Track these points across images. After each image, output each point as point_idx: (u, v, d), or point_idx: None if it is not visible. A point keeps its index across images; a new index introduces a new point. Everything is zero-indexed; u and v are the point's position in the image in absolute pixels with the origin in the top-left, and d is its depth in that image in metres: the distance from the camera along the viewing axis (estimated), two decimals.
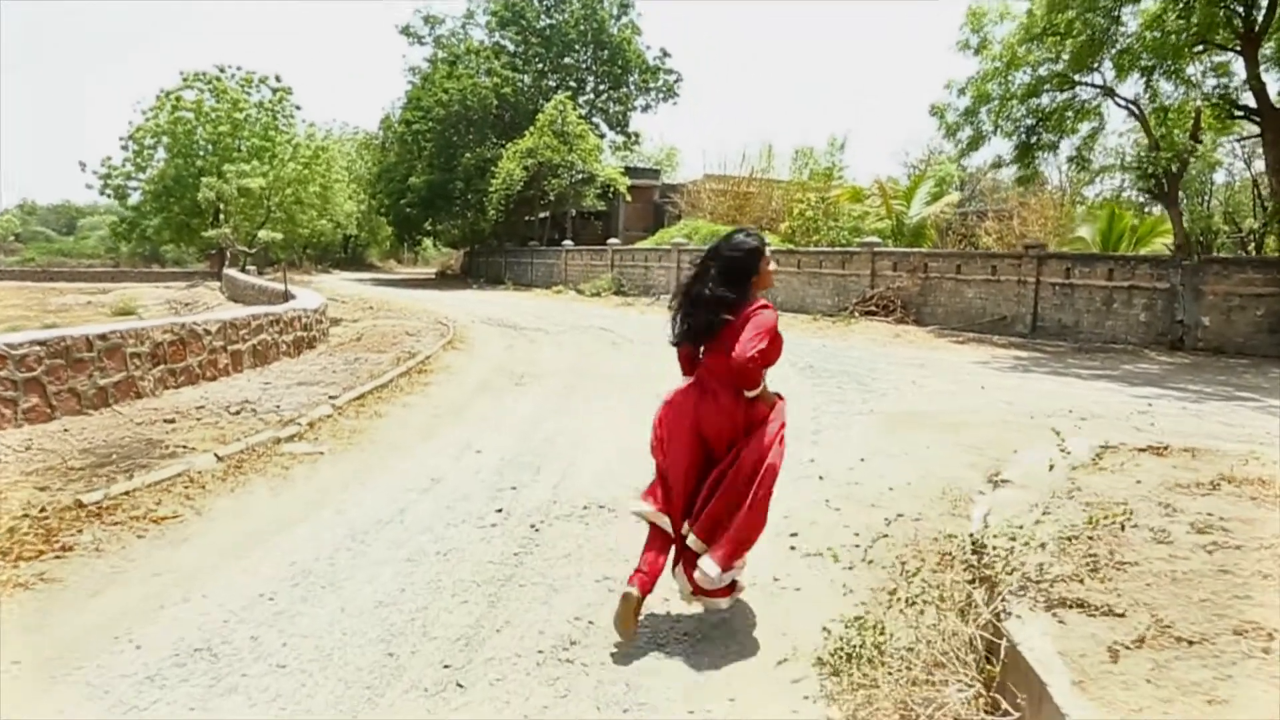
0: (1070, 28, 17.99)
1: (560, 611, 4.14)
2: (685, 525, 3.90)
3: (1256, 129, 17.34)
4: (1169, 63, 17.52)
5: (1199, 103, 18.51)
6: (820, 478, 6.73)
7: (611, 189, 41.55)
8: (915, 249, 25.23)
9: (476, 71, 45.19)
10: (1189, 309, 18.18)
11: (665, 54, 50.23)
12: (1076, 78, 19.26)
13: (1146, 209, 31.64)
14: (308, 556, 4.73)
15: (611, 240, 37.48)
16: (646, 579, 3.81)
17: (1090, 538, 3.59)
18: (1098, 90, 19.48)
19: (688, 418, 3.96)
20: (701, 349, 4.07)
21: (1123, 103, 19.25)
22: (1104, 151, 23.02)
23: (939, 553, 4.83)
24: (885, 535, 5.25)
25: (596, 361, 13.55)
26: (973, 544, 3.59)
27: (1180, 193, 19.95)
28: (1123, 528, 3.59)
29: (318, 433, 7.57)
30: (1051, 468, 4.70)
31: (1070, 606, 3.00)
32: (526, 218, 44.08)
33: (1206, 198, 34.64)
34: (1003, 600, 3.00)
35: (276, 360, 11.89)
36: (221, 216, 45.56)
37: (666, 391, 4.19)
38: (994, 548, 3.51)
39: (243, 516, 5.40)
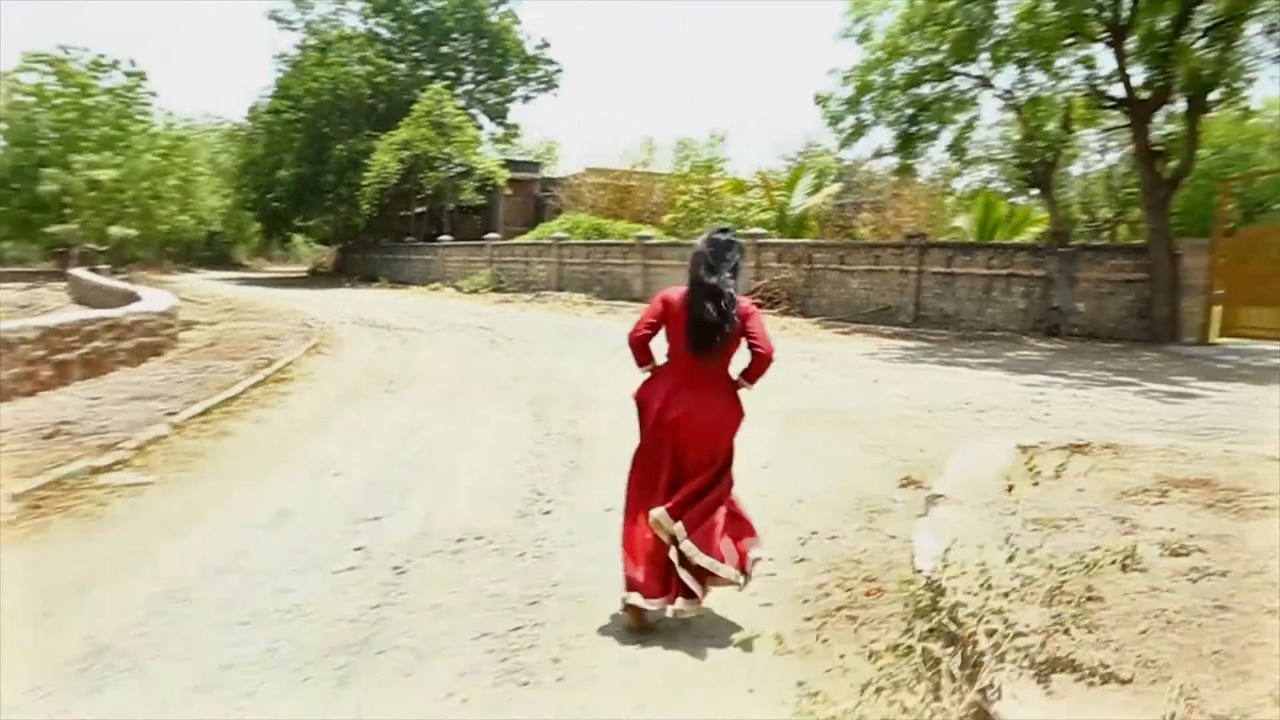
0: (950, 18, 18.02)
1: (428, 687, 3.36)
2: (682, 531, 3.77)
3: (1124, 120, 17.69)
4: (1041, 54, 17.71)
5: (1070, 94, 18.85)
6: None
7: (490, 182, 40.38)
8: (799, 240, 25.13)
9: (349, 59, 43.20)
10: (1064, 296, 18.48)
11: (545, 44, 49.29)
12: (955, 68, 19.36)
13: (1011, 199, 32.48)
14: (109, 627, 3.79)
15: (490, 235, 36.36)
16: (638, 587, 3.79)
17: (1061, 570, 3.04)
18: (975, 81, 19.63)
19: (684, 415, 3.88)
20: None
21: (999, 93, 19.46)
22: (976, 143, 23.30)
23: (865, 579, 4.26)
24: (802, 560, 4.67)
25: (476, 362, 12.68)
26: (929, 587, 2.99)
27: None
28: (1124, 569, 3.06)
29: (148, 458, 6.52)
30: (1011, 488, 4.18)
31: (1063, 669, 2.43)
32: (402, 213, 42.45)
33: (1065, 188, 35.87)
34: (987, 671, 2.39)
35: (113, 371, 10.59)
36: (68, 211, 42.11)
37: (635, 387, 4.15)
38: (954, 589, 2.92)
39: (31, 575, 4.40)
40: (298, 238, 57.63)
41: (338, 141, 42.03)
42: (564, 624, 3.89)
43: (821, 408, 9.44)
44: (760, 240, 24.05)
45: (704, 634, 3.80)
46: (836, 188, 34.47)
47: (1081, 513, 3.87)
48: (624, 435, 8.02)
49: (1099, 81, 17.78)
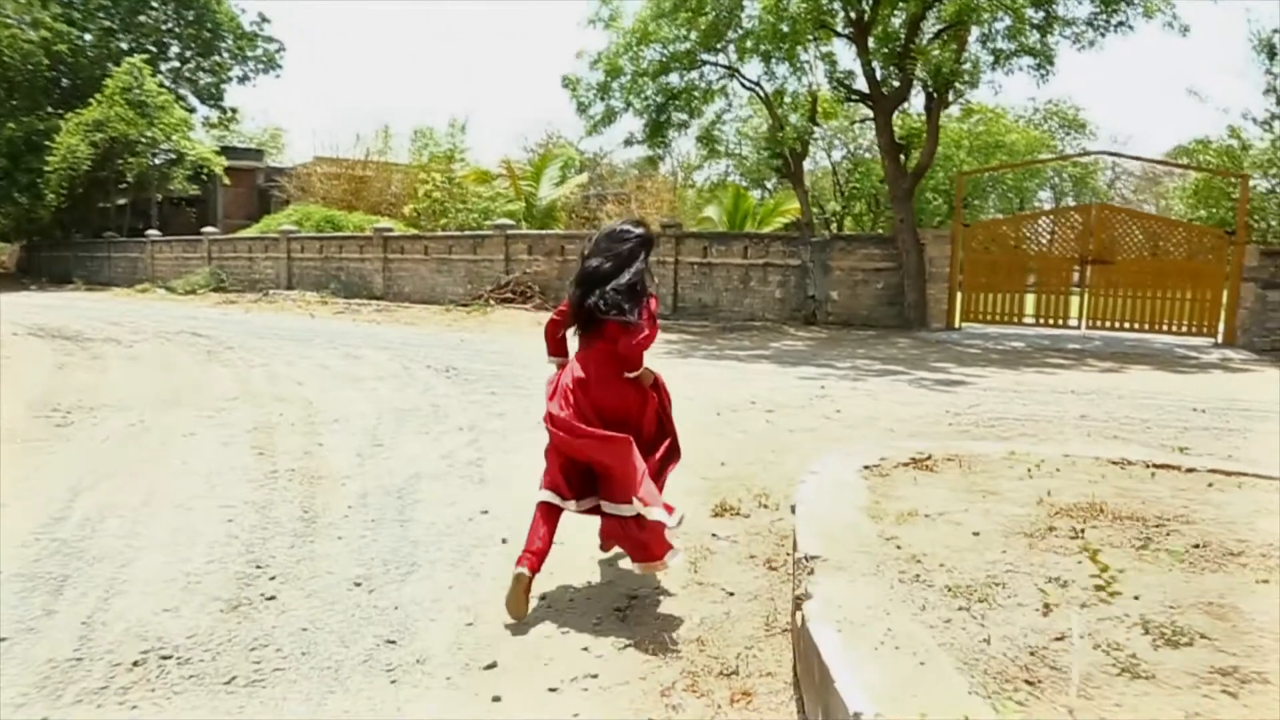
0: (699, 6, 17.57)
1: None
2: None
3: (869, 112, 18.01)
4: (785, 47, 17.65)
5: (815, 87, 19.03)
6: (504, 540, 4.86)
7: (206, 171, 36.29)
8: (551, 231, 24.15)
9: (18, 22, 37.15)
10: (819, 284, 18.64)
11: (264, 19, 45.03)
12: (705, 57, 19.00)
13: (756, 190, 33.21)
14: None
15: (208, 229, 32.57)
16: (535, 559, 3.86)
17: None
18: (725, 70, 19.37)
19: (589, 400, 3.94)
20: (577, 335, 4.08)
21: (748, 84, 19.31)
22: (727, 134, 23.22)
23: (723, 674, 3.19)
24: (630, 644, 3.53)
25: (183, 380, 10.54)
26: None
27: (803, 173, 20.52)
28: (1122, 674, 2.10)
29: None
30: (892, 539, 3.20)
31: None
32: (101, 204, 37.14)
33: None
34: None
35: None
36: None
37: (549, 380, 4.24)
38: None
39: None
40: None
41: (9, 119, 36.00)
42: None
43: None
44: (509, 232, 22.79)
45: None
46: (583, 178, 33.85)
47: (1000, 571, 3.00)
48: (377, 469, 6.70)
49: (844, 75, 18.00)
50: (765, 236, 20.51)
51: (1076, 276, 17.81)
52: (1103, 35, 16.84)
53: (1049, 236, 17.69)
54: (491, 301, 21.36)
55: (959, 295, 17.96)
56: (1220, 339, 16.34)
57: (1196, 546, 3.27)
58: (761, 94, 19.26)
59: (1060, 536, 3.37)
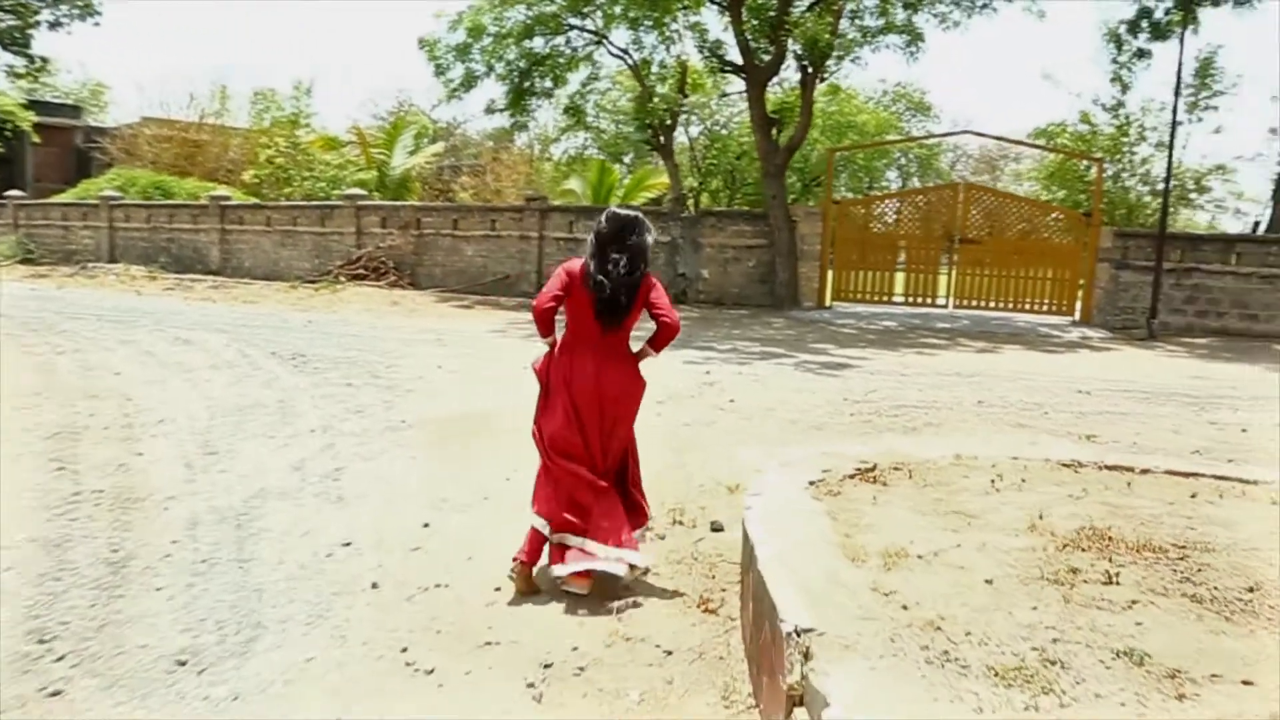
0: None
1: None
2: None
3: (739, 86, 17.44)
4: (655, 15, 16.91)
5: (684, 57, 18.39)
6: (374, 585, 3.94)
7: (10, 126, 32.58)
8: (406, 203, 22.66)
9: None
10: (690, 262, 18.09)
11: None
12: (571, 21, 18.02)
13: (620, 163, 32.41)
14: None
15: (13, 192, 29.21)
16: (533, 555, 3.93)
17: None
18: (592, 37, 18.45)
19: (590, 384, 3.99)
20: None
21: (616, 52, 18.47)
22: (593, 104, 22.33)
23: None
24: None
25: None
26: None
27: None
28: None
29: None
30: (891, 595, 2.48)
31: None
32: None
33: (654, 158, 36.58)
34: None
35: None
36: None
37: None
38: None
39: None
40: None
41: None
42: None
43: (474, 411, 7.44)
44: (361, 203, 21.20)
45: None
46: (438, 147, 32.25)
47: (1046, 641, 2.35)
48: (211, 486, 5.52)
49: (713, 45, 17.37)
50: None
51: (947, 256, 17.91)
52: (969, 16, 16.89)
53: (919, 215, 17.67)
54: (342, 278, 19.78)
55: (830, 273, 17.76)
56: (1078, 318, 16.72)
57: (1251, 590, 2.71)
58: (630, 63, 18.47)
59: (1092, 582, 2.77)
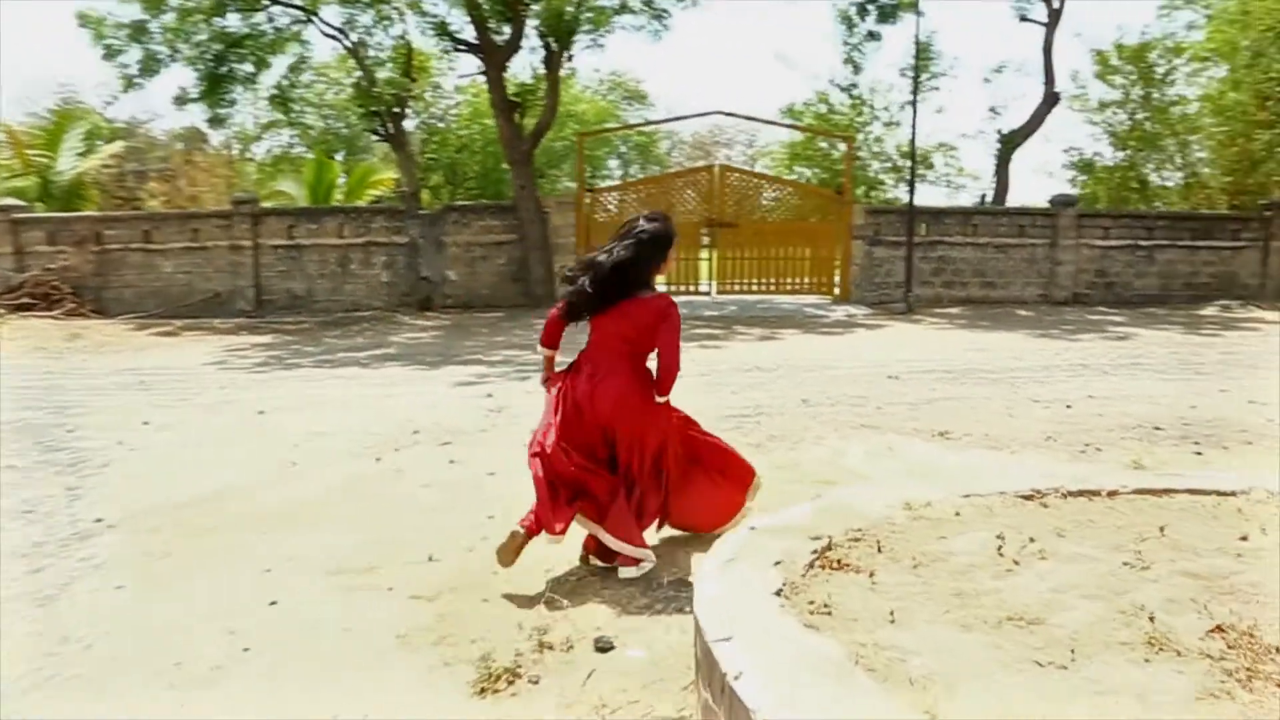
0: None
1: None
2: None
3: (479, 65, 15.81)
4: None
5: (406, 35, 16.52)
6: None
7: None
8: (81, 214, 19.00)
9: None
10: (433, 263, 16.37)
11: None
12: None
13: (335, 157, 29.57)
14: None
15: None
16: (535, 527, 3.81)
17: None
18: (300, 15, 16.09)
19: (584, 403, 3.93)
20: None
21: (329, 31, 16.23)
22: (301, 94, 19.73)
23: None
24: None
25: None
26: None
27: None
28: None
29: None
30: None
31: None
32: None
33: (370, 152, 33.93)
34: None
35: None
36: None
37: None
38: None
39: None
40: None
41: None
42: None
43: (204, 492, 5.44)
44: (18, 215, 17.42)
45: None
46: (118, 147, 27.89)
47: None
48: None
49: (444, 25, 15.60)
50: (366, 210, 17.63)
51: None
52: None
53: (676, 199, 16.93)
54: (1, 311, 16.11)
55: None
56: (838, 295, 16.69)
57: None
58: (346, 44, 16.31)
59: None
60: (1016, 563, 2.89)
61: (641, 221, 3.98)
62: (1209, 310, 16.06)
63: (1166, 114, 21.08)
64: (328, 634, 3.47)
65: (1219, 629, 2.34)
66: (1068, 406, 7.71)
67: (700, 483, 4.21)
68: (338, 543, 4.45)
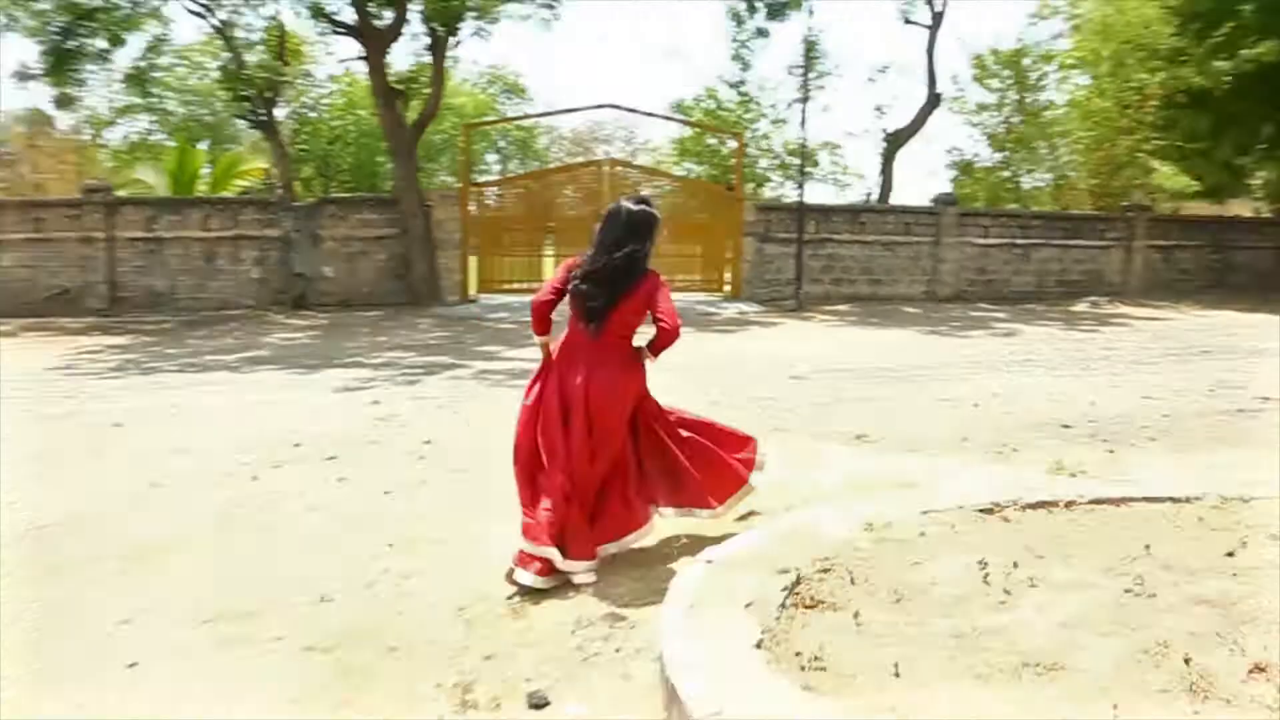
0: None
1: None
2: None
3: (358, 50, 14.90)
4: None
5: (278, 15, 15.52)
6: None
7: None
8: None
9: None
10: (308, 259, 15.46)
11: None
12: None
13: (199, 145, 27.88)
14: None
15: None
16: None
17: None
18: None
19: (579, 392, 3.84)
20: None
21: (195, 8, 15.05)
22: (160, 75, 18.35)
23: None
24: None
25: None
26: None
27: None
28: None
29: None
30: None
31: None
32: None
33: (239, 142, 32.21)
34: None
35: None
36: None
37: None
38: None
39: None
40: None
41: None
42: None
43: (37, 526, 4.66)
44: None
45: None
46: None
47: None
48: None
49: (319, 7, 14.64)
50: (234, 202, 16.50)
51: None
52: None
53: (564, 195, 16.46)
54: None
55: (472, 263, 16.01)
56: (729, 293, 16.55)
57: None
58: (213, 23, 15.18)
59: None
60: (1008, 592, 2.61)
61: (634, 208, 3.93)
62: (1081, 306, 16.63)
63: (1038, 118, 21.83)
64: (200, 703, 2.91)
65: (1258, 669, 2.08)
66: (975, 405, 7.65)
67: (696, 458, 4.12)
68: (210, 583, 3.84)
